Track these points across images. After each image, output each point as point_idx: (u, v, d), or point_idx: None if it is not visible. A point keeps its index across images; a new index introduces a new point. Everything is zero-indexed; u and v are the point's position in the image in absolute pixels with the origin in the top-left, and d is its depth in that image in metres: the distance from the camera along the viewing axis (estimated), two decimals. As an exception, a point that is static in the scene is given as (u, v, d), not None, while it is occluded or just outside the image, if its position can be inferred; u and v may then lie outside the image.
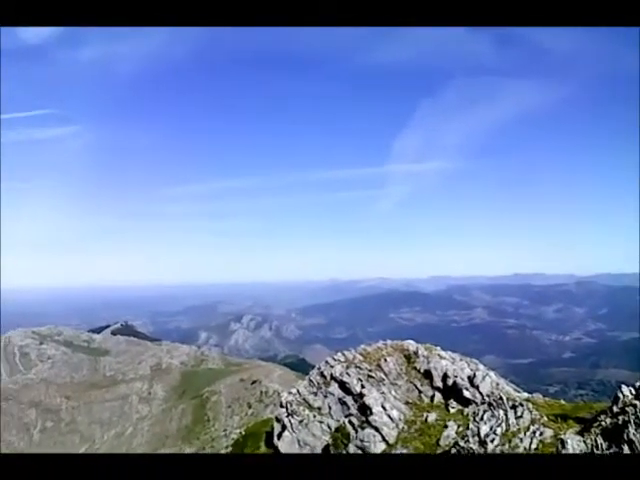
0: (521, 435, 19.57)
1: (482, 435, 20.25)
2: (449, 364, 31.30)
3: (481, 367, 32.29)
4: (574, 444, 16.92)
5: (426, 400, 29.72)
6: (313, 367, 36.25)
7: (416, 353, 32.74)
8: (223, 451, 37.41)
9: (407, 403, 28.87)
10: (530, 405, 21.80)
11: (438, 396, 29.77)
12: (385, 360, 31.75)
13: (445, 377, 30.25)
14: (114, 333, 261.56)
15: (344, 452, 25.76)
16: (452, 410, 27.76)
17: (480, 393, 28.24)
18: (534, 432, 19.36)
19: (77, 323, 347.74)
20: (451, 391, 29.31)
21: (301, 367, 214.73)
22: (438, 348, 34.55)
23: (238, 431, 41.90)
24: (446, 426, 24.93)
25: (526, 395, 29.78)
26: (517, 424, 20.43)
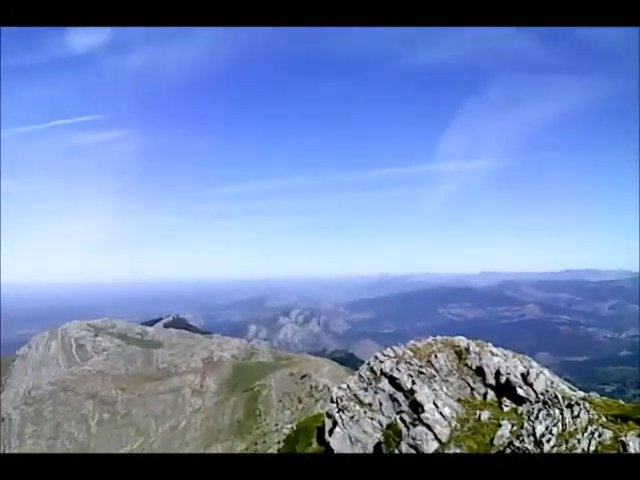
0: (579, 436, 19.07)
1: (538, 435, 19.83)
2: (501, 361, 30.74)
3: (534, 364, 31.61)
4: (636, 446, 16.43)
5: (478, 398, 29.27)
6: (362, 362, 36.15)
7: (467, 349, 32.26)
8: (275, 447, 37.65)
9: (459, 400, 28.50)
10: (587, 404, 21.22)
11: (491, 394, 29.28)
12: (436, 356, 31.40)
13: (498, 374, 29.72)
14: (166, 326, 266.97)
15: (396, 450, 25.65)
16: (506, 408, 27.27)
17: (534, 391, 27.66)
18: (592, 433, 18.83)
19: (130, 316, 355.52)
20: (504, 389, 28.79)
21: (350, 362, 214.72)
22: (489, 344, 34.00)
23: (289, 426, 42.06)
24: (500, 425, 24.50)
25: (582, 394, 29.02)
26: (574, 424, 19.92)
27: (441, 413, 26.00)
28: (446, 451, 23.42)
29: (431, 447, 24.34)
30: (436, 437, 24.75)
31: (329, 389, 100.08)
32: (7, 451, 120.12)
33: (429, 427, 25.27)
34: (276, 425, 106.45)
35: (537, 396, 26.61)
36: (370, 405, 30.43)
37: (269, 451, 40.53)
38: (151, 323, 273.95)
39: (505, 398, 28.02)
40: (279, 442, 37.62)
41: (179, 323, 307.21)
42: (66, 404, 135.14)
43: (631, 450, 16.41)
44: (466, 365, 31.22)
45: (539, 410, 21.56)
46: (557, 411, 20.57)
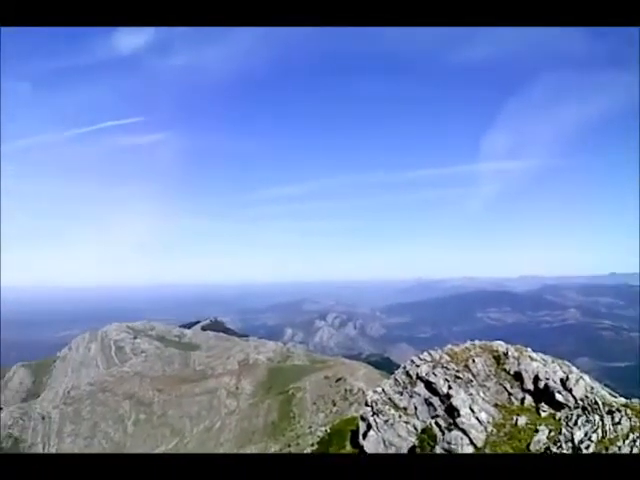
0: (619, 443, 18.58)
1: (576, 441, 19.40)
2: (540, 366, 30.16)
3: (574, 370, 30.95)
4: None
5: (516, 403, 28.78)
6: (398, 366, 35.90)
7: (506, 354, 31.74)
8: (308, 449, 37.62)
9: (496, 405, 28.07)
10: (629, 411, 20.68)
11: (529, 399, 28.76)
12: (473, 361, 30.97)
13: (536, 379, 29.17)
14: (204, 329, 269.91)
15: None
16: (543, 414, 26.75)
17: (573, 397, 27.06)
18: (634, 440, 18.33)
19: (169, 319, 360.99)
20: (542, 394, 28.24)
21: (386, 366, 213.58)
22: (529, 349, 33.42)
23: (323, 429, 42.01)
24: (537, 430, 24.03)
25: (623, 400, 28.29)
26: (614, 431, 19.42)
27: (477, 418, 25.64)
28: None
29: (466, 452, 24.02)
30: (471, 442, 24.41)
31: (364, 392, 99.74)
32: (47, 448, 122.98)
33: (464, 431, 24.94)
34: (310, 427, 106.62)
35: (576, 402, 26.02)
36: (405, 409, 30.20)
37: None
38: (189, 326, 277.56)
39: (543, 403, 27.49)
40: (312, 444, 37.56)
41: (216, 326, 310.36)
42: (104, 404, 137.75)
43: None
44: (504, 370, 30.73)
45: (578, 416, 21.10)
46: (597, 417, 20.10)
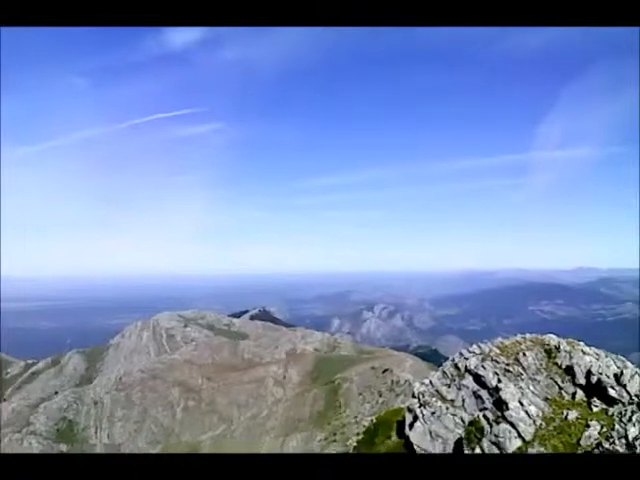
0: (675, 440, 18.02)
1: (630, 438, 18.89)
2: (593, 360, 29.42)
3: (629, 365, 30.07)
4: None
5: (567, 397, 28.18)
6: (445, 358, 35.64)
7: (557, 348, 31.07)
8: (354, 438, 37.69)
9: (546, 399, 27.55)
10: (687, 409, 20.01)
11: (580, 394, 28.12)
12: (524, 354, 30.43)
13: (589, 374, 28.48)
14: (252, 318, 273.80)
15: (477, 447, 25.14)
16: (595, 409, 26.12)
17: (628, 392, 26.33)
18: (691, 438, 17.74)
19: (219, 308, 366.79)
20: (595, 389, 27.56)
21: (433, 358, 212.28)
22: (581, 343, 32.66)
23: (369, 419, 42.05)
24: (588, 425, 23.50)
25: (681, 398, 27.39)
26: (671, 428, 18.84)
27: (526, 411, 25.24)
28: (530, 450, 22.74)
29: (514, 445, 23.72)
30: (520, 435, 24.07)
31: (410, 384, 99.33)
32: (99, 432, 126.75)
33: (513, 425, 24.60)
34: (355, 417, 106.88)
35: (631, 398, 25.32)
36: (452, 401, 29.96)
37: (348, 442, 40.65)
38: (238, 315, 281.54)
39: (595, 398, 26.84)
40: (358, 434, 37.65)
41: (265, 315, 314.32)
42: (154, 391, 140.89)
43: None
44: (555, 364, 30.12)
45: (632, 412, 20.53)
46: (652, 414, 19.50)
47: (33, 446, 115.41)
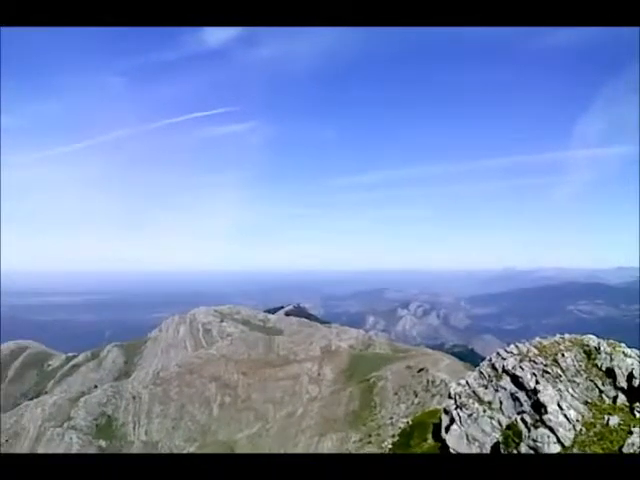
0: None
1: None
2: (635, 363, 28.54)
3: (673, 369, 29.14)
4: None
5: (607, 401, 27.39)
6: (482, 358, 35.08)
7: (597, 349, 30.25)
8: (389, 440, 37.36)
9: (586, 403, 26.84)
10: None
11: (622, 398, 27.30)
12: (563, 355, 29.70)
13: (630, 377, 27.64)
14: (287, 314, 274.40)
15: (515, 452, 24.62)
16: (638, 414, 25.35)
17: (673, 398, 25.51)
18: None
19: (254, 304, 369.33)
20: (637, 393, 26.75)
21: (470, 357, 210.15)
22: (622, 345, 31.76)
23: (405, 420, 41.65)
24: (631, 432, 22.78)
25: None
26: None
27: (565, 415, 24.60)
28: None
29: (552, 450, 23.13)
30: (559, 440, 23.46)
31: (447, 384, 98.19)
32: (137, 428, 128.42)
33: (552, 429, 24.01)
34: (391, 418, 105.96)
35: (676, 403, 24.50)
36: (490, 403, 29.44)
37: (383, 444, 40.28)
38: (273, 311, 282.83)
39: (638, 403, 26.05)
40: (393, 436, 37.31)
41: (299, 312, 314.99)
42: (191, 386, 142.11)
43: None
44: (595, 366, 29.33)
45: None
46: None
47: (73, 441, 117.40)
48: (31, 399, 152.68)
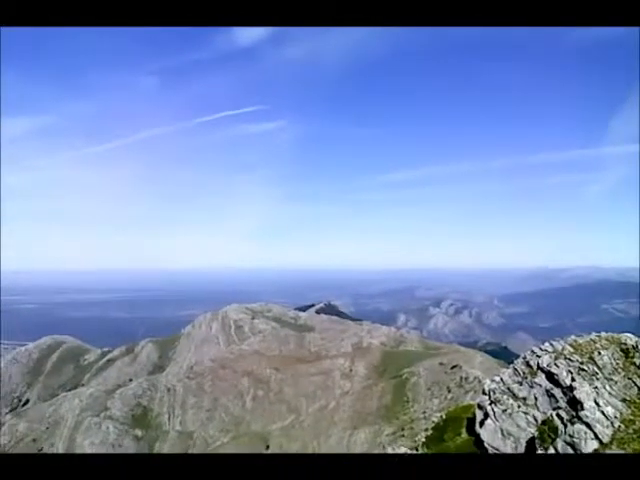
0: None
1: None
2: (674, 361, 28.24)
3: None
4: None
5: (646, 399, 27.12)
6: (516, 356, 34.91)
7: (635, 347, 29.90)
8: (422, 433, 37.38)
9: (624, 400, 26.60)
10: None
11: (661, 396, 27.02)
12: (599, 353, 29.41)
13: (669, 376, 27.36)
14: (318, 312, 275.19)
15: (551, 447, 24.52)
16: (678, 412, 25.06)
17: None
18: None
19: (285, 301, 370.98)
20: (677, 391, 26.45)
21: (503, 355, 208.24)
22: (661, 344, 31.33)
23: (438, 414, 41.60)
24: (671, 429, 22.58)
25: None
26: None
27: (603, 412, 24.42)
28: (607, 452, 22.02)
29: (590, 447, 22.99)
30: (596, 436, 23.33)
31: (480, 381, 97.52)
32: (172, 419, 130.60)
33: (589, 426, 23.86)
34: (424, 413, 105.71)
35: None
36: (524, 399, 29.34)
37: (416, 438, 40.29)
38: (304, 309, 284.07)
39: (678, 401, 25.75)
40: (427, 429, 37.34)
41: (330, 309, 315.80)
42: (224, 380, 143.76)
43: None
44: (633, 364, 29.02)
45: None
46: None
47: (110, 430, 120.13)
48: (69, 390, 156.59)
